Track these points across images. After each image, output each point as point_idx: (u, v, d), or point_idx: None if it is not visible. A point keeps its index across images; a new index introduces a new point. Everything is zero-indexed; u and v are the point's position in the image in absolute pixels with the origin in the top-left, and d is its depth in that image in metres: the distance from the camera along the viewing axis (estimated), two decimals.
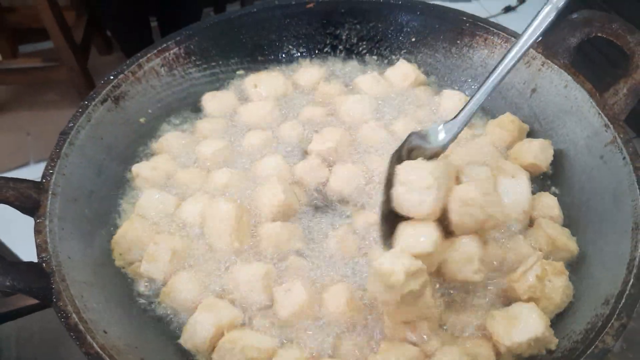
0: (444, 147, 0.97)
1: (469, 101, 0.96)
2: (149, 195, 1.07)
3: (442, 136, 0.97)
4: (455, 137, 0.97)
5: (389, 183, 0.91)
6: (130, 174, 1.13)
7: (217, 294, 0.95)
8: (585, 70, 1.13)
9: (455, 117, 0.96)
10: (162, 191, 1.08)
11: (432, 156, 0.97)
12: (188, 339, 0.90)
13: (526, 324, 0.84)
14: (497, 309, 0.90)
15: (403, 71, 1.29)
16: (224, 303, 0.93)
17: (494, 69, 0.95)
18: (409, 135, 0.96)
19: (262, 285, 0.93)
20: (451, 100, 1.23)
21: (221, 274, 0.98)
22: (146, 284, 0.99)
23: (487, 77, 0.95)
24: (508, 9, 3.96)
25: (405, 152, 0.96)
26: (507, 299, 0.93)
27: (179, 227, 1.04)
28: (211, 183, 1.09)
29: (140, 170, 1.11)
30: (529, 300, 0.89)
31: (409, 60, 1.32)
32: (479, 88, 0.95)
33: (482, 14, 3.90)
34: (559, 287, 0.90)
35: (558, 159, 1.13)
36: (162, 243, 0.98)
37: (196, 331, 0.89)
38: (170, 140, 1.18)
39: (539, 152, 1.10)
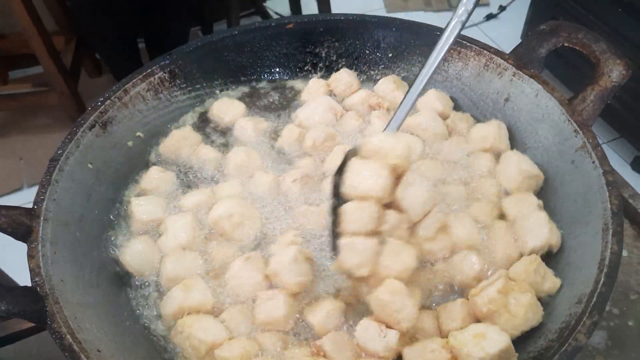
0: None
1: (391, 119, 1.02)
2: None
3: None
4: None
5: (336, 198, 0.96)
6: (120, 196, 1.17)
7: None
8: (565, 74, 1.16)
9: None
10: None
11: None
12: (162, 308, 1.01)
13: (492, 339, 0.84)
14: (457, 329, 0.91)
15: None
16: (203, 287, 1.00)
17: (410, 88, 1.01)
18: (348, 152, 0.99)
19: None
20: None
21: None
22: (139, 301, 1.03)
23: (407, 92, 1.02)
24: (490, 17, 4.02)
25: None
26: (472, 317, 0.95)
27: None
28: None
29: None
30: (488, 314, 0.90)
31: (386, 74, 1.37)
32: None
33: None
34: (523, 304, 0.90)
35: None
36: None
37: (166, 305, 1.00)
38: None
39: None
